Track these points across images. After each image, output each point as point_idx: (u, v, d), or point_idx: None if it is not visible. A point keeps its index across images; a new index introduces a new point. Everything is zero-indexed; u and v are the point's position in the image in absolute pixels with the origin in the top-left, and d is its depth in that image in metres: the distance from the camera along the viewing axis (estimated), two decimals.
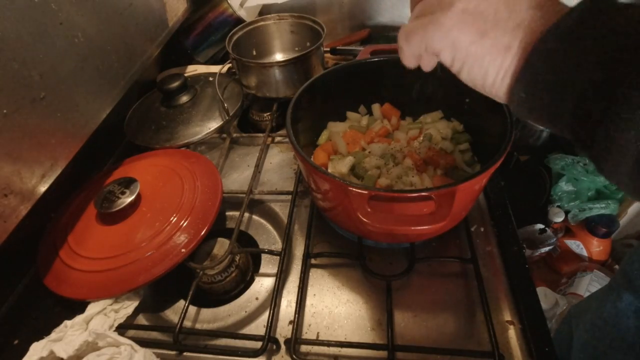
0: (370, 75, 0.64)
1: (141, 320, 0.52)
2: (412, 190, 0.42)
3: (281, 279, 0.53)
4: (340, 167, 0.58)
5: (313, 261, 0.56)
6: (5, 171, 0.43)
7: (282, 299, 0.52)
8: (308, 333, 0.49)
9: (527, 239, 1.19)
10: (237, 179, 0.70)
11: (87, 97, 0.55)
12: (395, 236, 0.52)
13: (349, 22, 1.01)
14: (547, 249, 1.19)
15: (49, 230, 0.56)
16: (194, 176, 0.58)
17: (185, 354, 0.48)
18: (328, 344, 0.47)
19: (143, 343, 0.46)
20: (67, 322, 0.46)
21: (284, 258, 0.54)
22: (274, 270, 0.55)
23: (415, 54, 0.34)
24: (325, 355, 0.47)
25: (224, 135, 0.76)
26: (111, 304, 0.49)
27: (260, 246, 0.60)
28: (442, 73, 0.36)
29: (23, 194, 0.45)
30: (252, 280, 0.56)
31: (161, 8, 0.75)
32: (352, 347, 0.46)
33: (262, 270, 0.58)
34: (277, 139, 0.77)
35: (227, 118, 0.74)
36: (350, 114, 0.68)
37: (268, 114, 0.79)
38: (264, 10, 0.96)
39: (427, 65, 0.36)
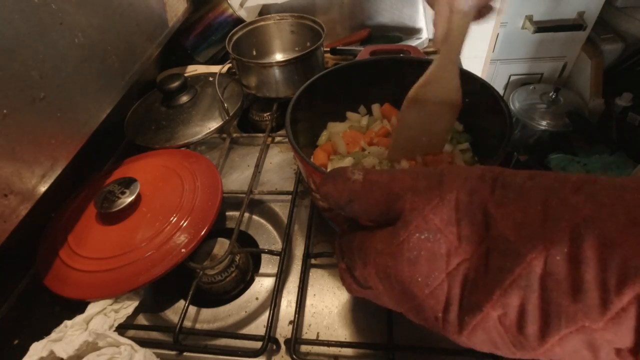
0: (370, 75, 0.64)
1: (141, 320, 0.52)
2: None
3: (281, 279, 0.53)
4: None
5: (313, 261, 0.56)
6: (5, 171, 0.43)
7: (282, 299, 0.52)
8: (308, 333, 0.49)
9: None
10: (237, 179, 0.70)
11: (87, 97, 0.55)
12: None
13: (349, 22, 1.01)
14: None
15: (49, 230, 0.56)
16: (194, 176, 0.58)
17: (185, 354, 0.48)
18: (328, 344, 0.47)
19: (143, 343, 0.46)
20: (67, 322, 0.46)
21: (284, 258, 0.54)
22: (274, 270, 0.55)
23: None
24: (325, 355, 0.47)
25: (224, 135, 0.76)
26: (111, 304, 0.49)
27: (260, 246, 0.60)
28: None
29: (23, 194, 0.45)
30: (252, 280, 0.56)
31: (161, 8, 0.75)
32: (352, 347, 0.46)
33: (262, 270, 0.58)
34: (277, 139, 0.77)
35: (227, 118, 0.74)
36: (350, 114, 0.68)
37: (268, 114, 0.79)
38: (264, 10, 0.96)
39: None
